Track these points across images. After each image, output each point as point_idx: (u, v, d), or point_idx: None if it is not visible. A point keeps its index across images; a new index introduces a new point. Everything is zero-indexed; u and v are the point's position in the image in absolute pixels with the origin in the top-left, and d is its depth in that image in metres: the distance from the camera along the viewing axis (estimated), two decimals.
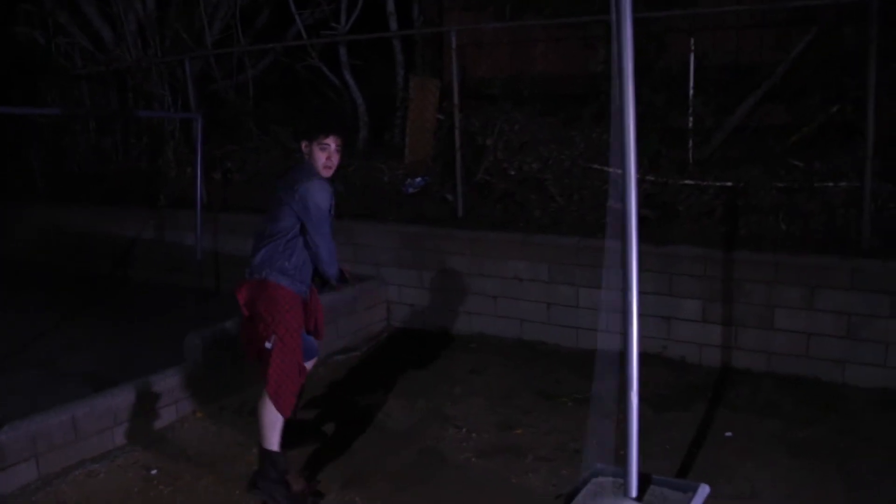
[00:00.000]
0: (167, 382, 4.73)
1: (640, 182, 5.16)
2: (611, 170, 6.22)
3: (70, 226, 9.29)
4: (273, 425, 3.78)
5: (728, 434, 4.49)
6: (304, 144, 3.84)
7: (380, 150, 8.15)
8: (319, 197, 3.73)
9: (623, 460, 3.30)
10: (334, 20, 8.87)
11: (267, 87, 9.59)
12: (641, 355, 3.25)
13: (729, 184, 5.95)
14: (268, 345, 3.75)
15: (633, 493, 3.23)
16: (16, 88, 10.42)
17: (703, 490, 3.30)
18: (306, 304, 3.97)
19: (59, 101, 10.29)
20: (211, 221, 7.85)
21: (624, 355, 3.15)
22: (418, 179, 7.42)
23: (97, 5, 9.94)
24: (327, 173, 3.80)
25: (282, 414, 3.76)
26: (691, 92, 6.45)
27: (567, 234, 6.11)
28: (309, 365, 4.19)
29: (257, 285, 3.82)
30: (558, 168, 6.45)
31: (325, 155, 3.77)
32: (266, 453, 3.81)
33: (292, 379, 3.80)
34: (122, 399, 4.45)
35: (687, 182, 6.09)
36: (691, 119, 6.48)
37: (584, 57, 7.90)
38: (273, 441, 3.80)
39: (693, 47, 6.41)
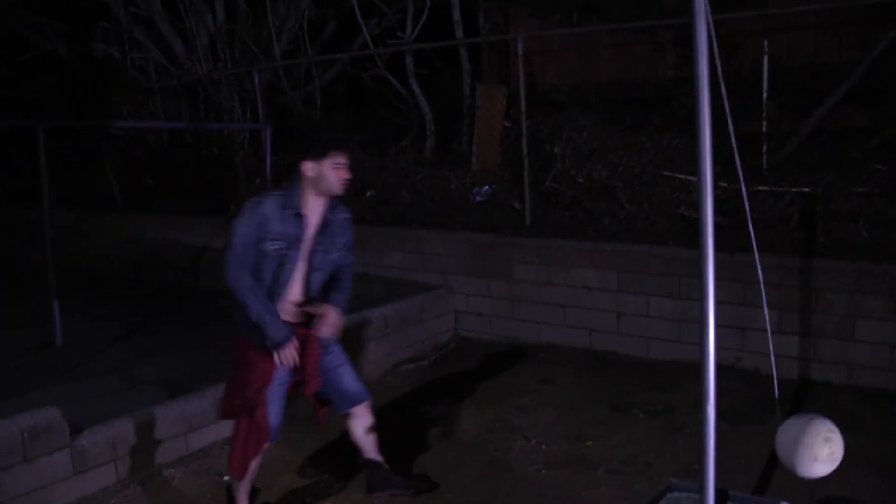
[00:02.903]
0: None
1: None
2: (683, 177, 6.10)
3: (143, 235, 9.53)
4: None
5: None
6: (307, 166, 3.43)
7: (447, 159, 8.16)
8: None
9: (698, 475, 3.20)
10: (400, 29, 8.94)
11: (334, 97, 9.70)
12: (716, 367, 3.14)
13: (805, 189, 5.77)
14: None
15: None
16: (94, 103, 10.78)
17: None
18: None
19: (134, 114, 10.60)
20: None
21: (697, 366, 3.05)
22: (486, 188, 7.40)
23: (170, 20, 10.22)
24: (342, 190, 3.49)
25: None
26: (765, 95, 6.28)
27: (637, 241, 6.01)
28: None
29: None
30: (628, 175, 6.35)
31: (341, 173, 3.45)
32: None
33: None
34: (195, 405, 4.53)
35: (761, 188, 5.93)
36: (765, 123, 6.31)
37: (651, 62, 7.78)
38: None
39: (767, 49, 6.25)
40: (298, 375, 3.52)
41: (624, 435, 4.63)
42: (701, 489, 3.16)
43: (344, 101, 9.65)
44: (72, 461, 3.91)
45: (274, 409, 3.50)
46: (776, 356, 5.37)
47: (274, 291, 3.43)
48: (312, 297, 3.53)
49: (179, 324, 7.23)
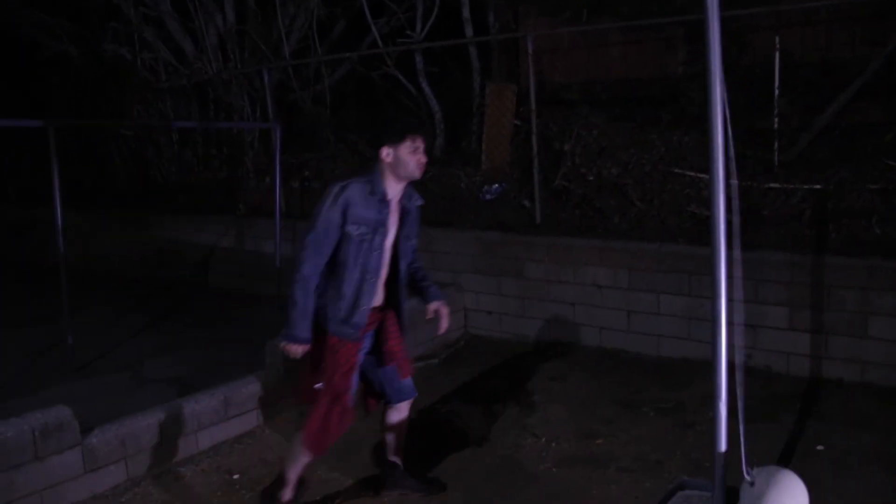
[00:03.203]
0: (249, 389, 4.79)
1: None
2: (693, 174, 6.06)
3: (152, 234, 9.57)
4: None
5: (819, 447, 4.31)
6: (384, 152, 3.45)
7: (457, 157, 8.15)
8: None
9: (709, 472, 3.18)
10: (410, 28, 8.92)
11: (343, 96, 9.70)
12: (727, 364, 3.13)
13: (818, 186, 5.73)
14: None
15: None
16: (104, 102, 10.82)
17: None
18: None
19: (143, 113, 10.64)
20: (290, 229, 7.96)
21: (707, 364, 3.03)
22: (496, 186, 7.38)
23: (180, 20, 10.24)
24: (420, 174, 3.50)
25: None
26: (776, 91, 6.23)
27: (647, 239, 5.98)
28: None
29: None
30: (638, 172, 6.33)
31: (418, 157, 3.44)
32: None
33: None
34: (205, 404, 4.53)
35: (773, 185, 5.89)
36: (776, 120, 6.26)
37: (662, 59, 7.74)
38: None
39: (778, 45, 6.20)
40: (385, 360, 3.67)
41: (634, 433, 4.61)
42: (713, 487, 3.15)
43: (353, 100, 9.65)
44: (83, 459, 3.93)
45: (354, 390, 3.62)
46: (788, 354, 5.35)
47: (364, 277, 3.44)
48: (399, 284, 3.61)
49: (189, 322, 7.25)
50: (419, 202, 3.63)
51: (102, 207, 10.30)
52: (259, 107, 9.67)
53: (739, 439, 2.92)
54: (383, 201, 3.43)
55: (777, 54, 6.21)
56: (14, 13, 10.57)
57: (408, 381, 3.80)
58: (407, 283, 3.71)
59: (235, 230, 8.77)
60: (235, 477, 4.23)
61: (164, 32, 10.46)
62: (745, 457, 2.85)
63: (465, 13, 8.62)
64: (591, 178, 6.51)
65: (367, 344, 3.62)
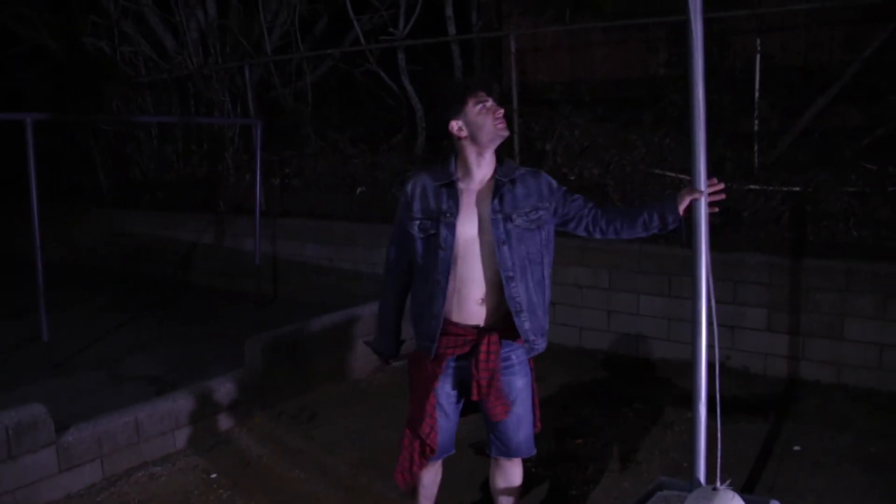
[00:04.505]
0: (227, 387, 4.76)
1: None
2: (674, 175, 6.09)
3: (132, 230, 9.50)
4: None
5: (797, 448, 4.34)
6: (455, 126, 2.81)
7: (438, 156, 8.13)
8: None
9: (687, 473, 3.20)
10: (392, 25, 8.89)
11: (325, 93, 9.66)
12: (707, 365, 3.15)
13: (797, 189, 5.77)
14: None
15: None
16: (83, 97, 10.71)
17: None
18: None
19: (123, 108, 10.54)
20: (269, 227, 7.92)
21: (686, 365, 3.05)
22: None
23: (160, 14, 10.16)
24: (503, 130, 2.82)
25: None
26: (757, 94, 6.28)
27: (628, 240, 5.99)
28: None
29: None
30: (620, 173, 6.35)
31: (492, 112, 2.79)
32: None
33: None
34: (183, 403, 4.49)
35: (752, 187, 5.93)
36: (757, 122, 6.30)
37: (644, 60, 7.77)
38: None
39: (759, 48, 6.24)
40: (474, 394, 2.87)
41: (614, 433, 4.62)
42: (690, 487, 3.16)
43: (335, 97, 9.61)
44: (57, 459, 3.88)
45: (439, 423, 2.96)
46: (766, 355, 5.39)
47: (428, 278, 2.84)
48: (510, 275, 2.79)
49: (168, 319, 7.19)
50: (522, 171, 2.89)
51: (81, 202, 10.21)
52: (240, 103, 9.61)
53: (717, 442, 2.93)
54: (450, 185, 2.83)
55: (758, 57, 6.25)
56: None
57: (520, 435, 3.04)
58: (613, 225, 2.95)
59: (215, 227, 8.71)
60: (213, 476, 4.20)
61: (145, 27, 10.37)
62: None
63: (448, 11, 8.61)
64: (573, 177, 6.53)
65: (450, 370, 2.94)
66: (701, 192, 2.88)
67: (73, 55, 10.81)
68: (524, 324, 2.87)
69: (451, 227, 2.77)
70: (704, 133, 2.82)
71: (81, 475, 4.00)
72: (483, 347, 2.81)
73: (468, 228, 2.79)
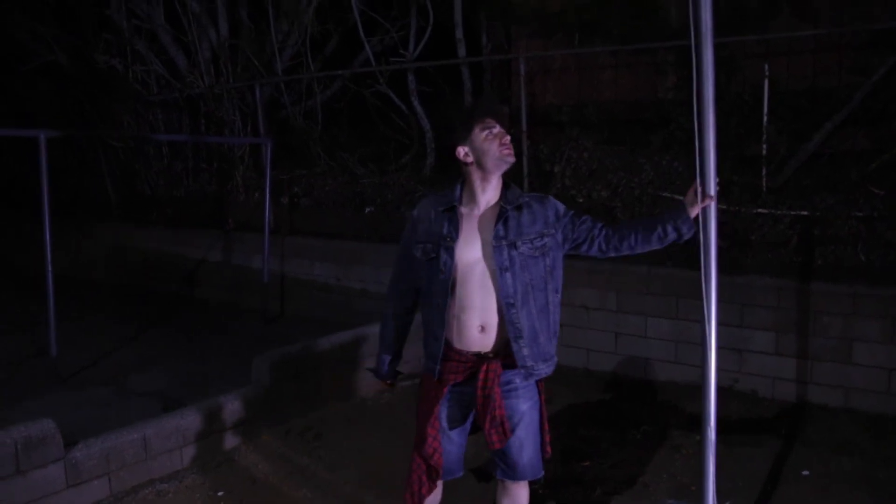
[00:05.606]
0: (234, 405, 4.77)
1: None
2: (682, 198, 6.09)
3: (140, 245, 9.54)
4: None
5: (805, 472, 4.32)
6: (461, 152, 2.82)
7: (447, 177, 8.17)
8: None
9: (695, 496, 3.20)
10: (403, 47, 8.97)
11: (335, 114, 9.73)
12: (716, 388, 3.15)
13: (804, 212, 5.78)
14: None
15: None
16: (93, 113, 10.80)
17: None
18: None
19: (133, 125, 10.63)
20: (278, 245, 7.95)
21: (694, 387, 3.05)
22: None
23: (173, 34, 10.26)
24: (509, 156, 2.79)
25: None
26: (765, 118, 6.30)
27: (635, 262, 6.00)
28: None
29: None
30: (628, 196, 6.37)
31: (498, 138, 2.78)
32: None
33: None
34: (190, 420, 4.50)
35: (760, 211, 5.94)
36: (765, 146, 6.33)
37: (652, 83, 7.81)
38: None
39: (767, 72, 6.27)
40: (478, 419, 2.87)
41: (621, 455, 4.61)
42: None
43: (345, 118, 9.67)
44: (65, 474, 3.88)
45: (443, 446, 2.95)
46: (774, 378, 5.38)
47: (431, 301, 2.87)
48: (511, 302, 2.77)
49: (175, 335, 7.22)
50: (526, 199, 2.86)
51: (90, 217, 10.27)
52: (250, 122, 9.68)
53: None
54: (452, 210, 2.85)
55: (766, 82, 6.28)
56: (4, 17, 10.56)
57: (525, 458, 2.99)
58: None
59: (223, 244, 8.75)
60: (220, 494, 4.20)
61: (157, 45, 10.48)
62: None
63: (459, 34, 8.68)
64: (581, 200, 6.54)
65: (454, 394, 2.93)
66: (711, 196, 2.88)
67: (85, 72, 10.91)
68: (522, 350, 2.85)
69: (451, 252, 2.80)
70: (713, 133, 2.83)
71: (89, 491, 4.00)
72: (481, 375, 2.81)
73: (468, 253, 2.81)
